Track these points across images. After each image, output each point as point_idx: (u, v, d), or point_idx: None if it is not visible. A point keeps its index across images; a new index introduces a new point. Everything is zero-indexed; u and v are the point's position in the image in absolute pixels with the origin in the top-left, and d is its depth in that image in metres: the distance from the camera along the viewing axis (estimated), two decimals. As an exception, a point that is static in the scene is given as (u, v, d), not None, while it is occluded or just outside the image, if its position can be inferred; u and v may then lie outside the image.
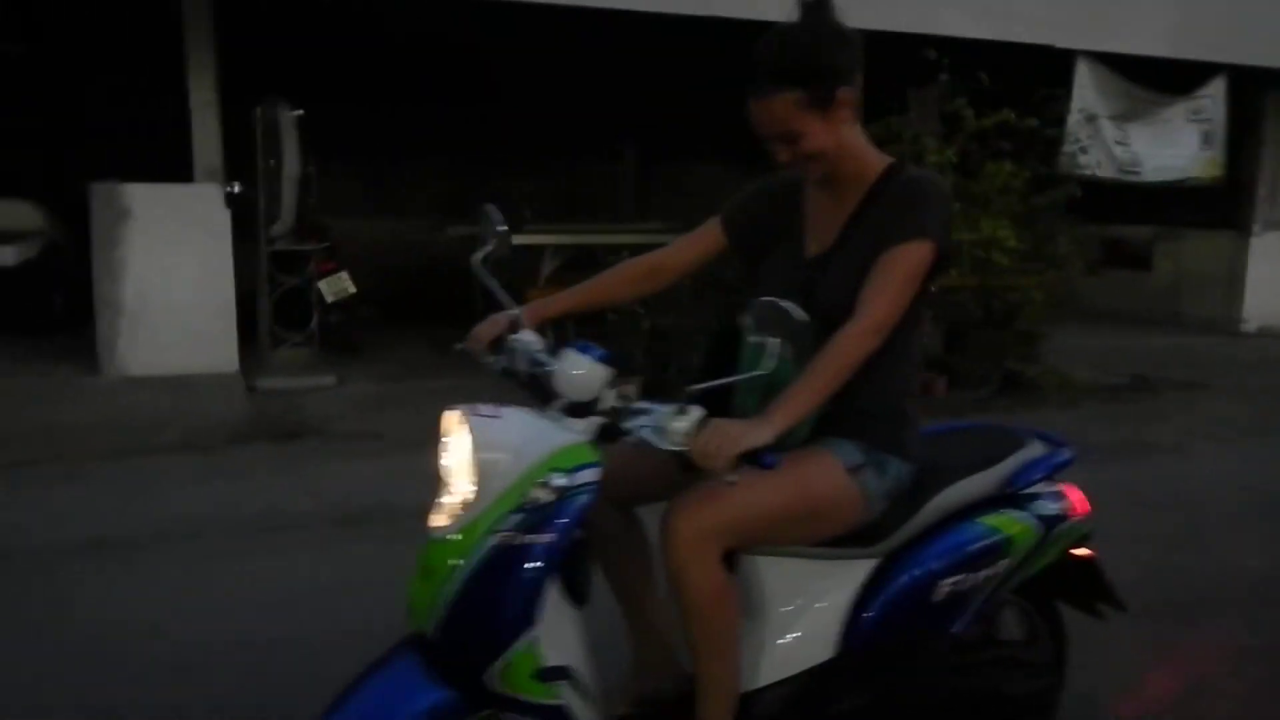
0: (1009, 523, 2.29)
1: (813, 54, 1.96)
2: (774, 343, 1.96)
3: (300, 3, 7.08)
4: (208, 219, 6.57)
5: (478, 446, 1.86)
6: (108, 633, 3.31)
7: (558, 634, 1.91)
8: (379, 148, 10.05)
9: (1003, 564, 2.27)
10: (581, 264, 8.60)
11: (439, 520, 1.88)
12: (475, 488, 1.86)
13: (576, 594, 1.97)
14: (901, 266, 1.96)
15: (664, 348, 6.66)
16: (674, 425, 1.82)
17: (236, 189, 6.76)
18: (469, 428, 1.88)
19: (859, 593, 2.15)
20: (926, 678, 2.26)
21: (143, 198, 6.47)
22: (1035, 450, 2.42)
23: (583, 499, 1.87)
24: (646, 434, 1.87)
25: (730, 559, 2.09)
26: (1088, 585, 2.56)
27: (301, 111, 7.13)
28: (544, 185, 10.62)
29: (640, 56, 9.97)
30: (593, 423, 1.92)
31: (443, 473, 1.89)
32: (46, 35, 8.50)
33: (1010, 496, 2.34)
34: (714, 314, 6.73)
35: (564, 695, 1.90)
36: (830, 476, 2.04)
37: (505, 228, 2.25)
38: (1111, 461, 5.43)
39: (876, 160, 2.10)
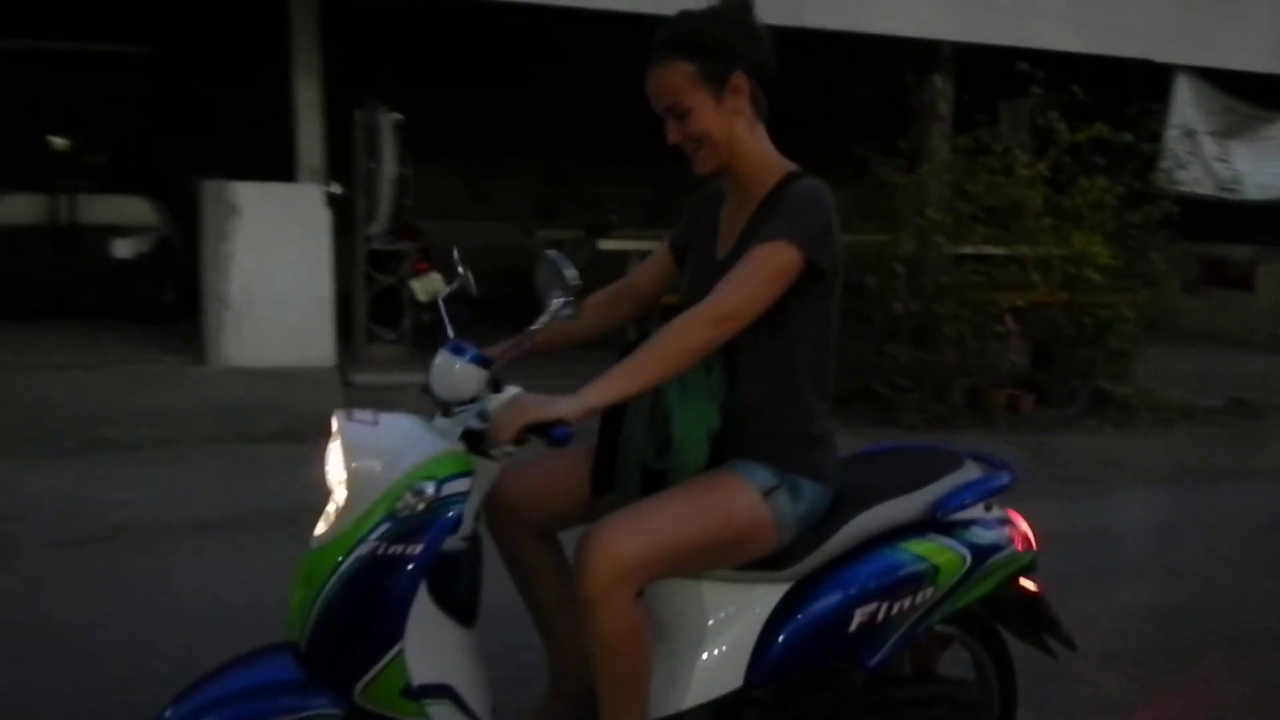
0: (934, 550, 2.14)
1: (710, 30, 1.96)
2: (557, 301, 1.92)
3: (402, 9, 7.31)
4: (309, 218, 6.85)
5: (349, 453, 1.82)
6: (208, 608, 3.51)
7: (433, 651, 1.85)
8: (474, 151, 10.31)
9: (925, 594, 2.12)
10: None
11: (319, 528, 1.85)
12: (346, 495, 1.81)
13: (463, 613, 1.92)
14: (757, 263, 1.90)
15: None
16: (488, 406, 1.82)
17: (336, 190, 7.04)
18: (341, 434, 1.84)
19: (769, 619, 2.05)
20: (839, 712, 2.12)
21: (249, 196, 6.78)
22: (969, 474, 2.27)
23: (453, 509, 1.82)
24: (471, 421, 1.85)
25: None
26: (1034, 621, 2.39)
27: (400, 115, 7.38)
28: (632, 191, 10.76)
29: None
30: (458, 421, 1.88)
31: (326, 479, 1.86)
32: (163, 38, 8.91)
33: (939, 523, 2.19)
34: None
35: (437, 715, 1.85)
36: (743, 501, 1.97)
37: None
38: (1206, 486, 5.30)
39: (778, 167, 2.06)
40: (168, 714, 1.77)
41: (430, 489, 1.80)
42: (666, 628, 2.06)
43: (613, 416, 2.04)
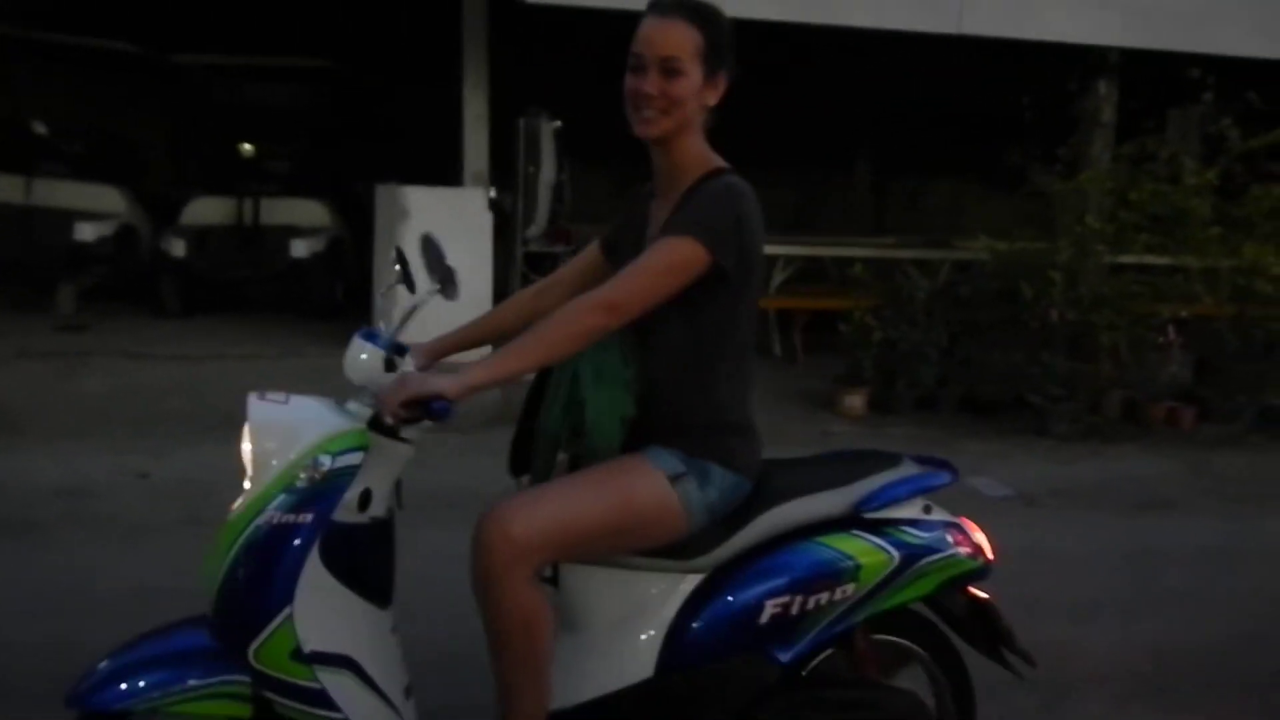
0: (857, 547, 2.09)
1: (723, 23, 2.02)
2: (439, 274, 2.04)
3: (564, 22, 7.61)
4: (473, 220, 7.21)
5: (256, 431, 1.93)
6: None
7: (327, 621, 1.91)
8: (626, 156, 10.57)
9: (844, 590, 2.07)
10: (811, 275, 8.76)
11: (235, 503, 1.95)
12: (251, 470, 1.93)
13: (372, 591, 1.99)
14: (658, 255, 1.92)
15: (893, 360, 6.72)
16: (383, 382, 1.89)
17: (495, 195, 7.40)
18: (251, 413, 1.95)
19: (681, 609, 2.04)
20: (756, 708, 2.08)
21: (418, 199, 7.17)
22: (902, 472, 2.21)
23: (345, 481, 1.89)
24: (366, 400, 1.94)
25: (551, 569, 2.06)
26: (989, 633, 2.28)
27: (559, 123, 7.68)
28: (776, 196, 10.82)
29: (876, 70, 10.01)
30: (364, 402, 1.96)
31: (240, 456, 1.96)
32: (339, 53, 9.50)
33: (865, 520, 2.14)
34: (946, 328, 6.73)
35: (327, 682, 1.91)
36: (649, 485, 1.97)
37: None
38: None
39: (706, 162, 2.06)
40: (82, 684, 1.87)
41: (326, 462, 1.88)
42: (577, 616, 2.07)
43: (532, 401, 2.10)
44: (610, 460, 2.01)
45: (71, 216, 8.18)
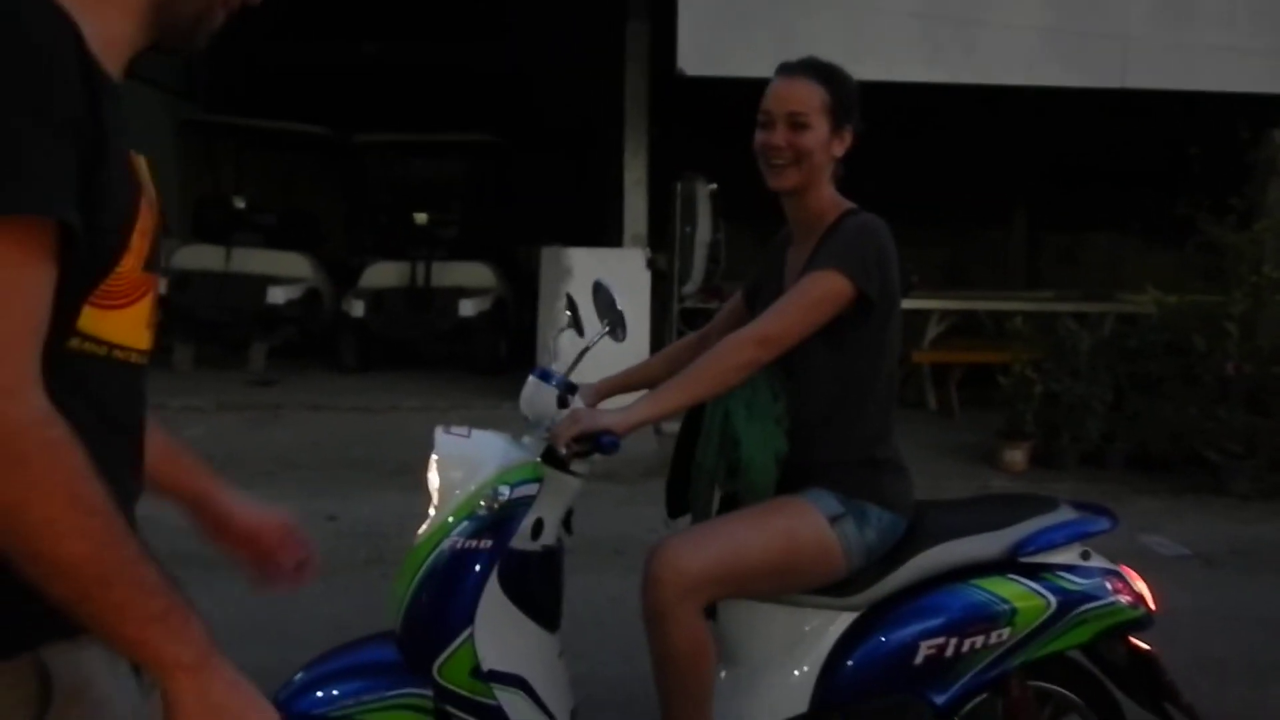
0: (1013, 591, 2.08)
1: (849, 82, 2.13)
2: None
3: (712, 94, 7.90)
4: (632, 279, 7.46)
5: (442, 463, 2.05)
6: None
7: (504, 642, 2.01)
8: (778, 217, 10.73)
9: (1000, 634, 2.06)
10: (966, 329, 8.66)
11: (421, 529, 2.07)
12: (437, 499, 2.05)
13: (542, 615, 2.07)
14: (807, 289, 1.99)
15: (1056, 414, 6.56)
16: (556, 420, 1.97)
17: (651, 255, 7.68)
18: (438, 447, 2.07)
19: (836, 646, 2.06)
20: None
21: (580, 260, 7.51)
22: (1059, 517, 2.19)
23: (522, 510, 1.99)
24: (542, 434, 2.02)
25: (710, 605, 2.08)
26: (1150, 685, 2.23)
27: (715, 185, 7.93)
28: (931, 251, 10.76)
29: (1032, 123, 9.89)
30: (539, 437, 2.06)
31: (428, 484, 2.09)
32: (502, 128, 10.08)
33: (1022, 565, 2.12)
34: (1112, 381, 6.54)
35: (503, 699, 2.00)
36: (810, 526, 2.01)
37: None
38: None
39: (839, 205, 2.16)
40: (281, 693, 2.02)
41: (505, 493, 2.00)
42: (736, 650, 2.12)
43: (685, 443, 2.18)
44: (772, 500, 2.07)
45: (265, 282, 8.90)
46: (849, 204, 2.17)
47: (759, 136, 2.11)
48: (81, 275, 0.97)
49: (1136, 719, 2.30)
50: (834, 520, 2.03)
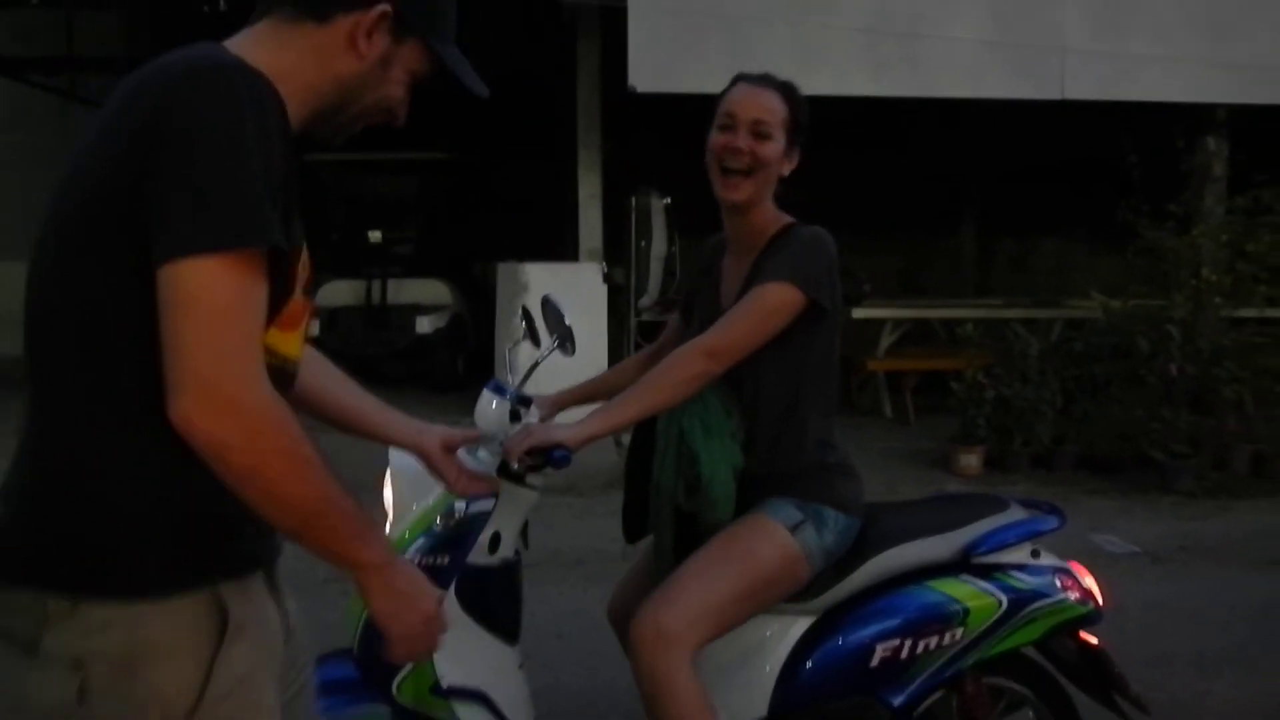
0: (965, 592, 2.11)
1: (804, 103, 2.16)
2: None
3: (670, 108, 8.00)
4: (588, 293, 7.51)
5: (397, 480, 2.04)
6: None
7: (463, 657, 1.98)
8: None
9: (954, 635, 2.09)
10: (918, 338, 8.80)
11: None
12: (392, 514, 2.04)
13: (501, 628, 2.07)
14: (757, 301, 2.00)
15: (1008, 418, 6.69)
16: (508, 434, 1.97)
17: (607, 269, 7.74)
18: (392, 464, 2.05)
19: (793, 650, 2.08)
20: None
21: (537, 275, 7.53)
22: (1010, 517, 2.22)
23: (478, 526, 1.98)
24: (496, 449, 2.00)
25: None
26: (1100, 678, 2.29)
27: (669, 199, 8.00)
28: (884, 260, 10.91)
29: (978, 133, 10.09)
30: (493, 451, 2.04)
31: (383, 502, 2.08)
32: (459, 143, 10.08)
33: (974, 565, 2.15)
34: (1060, 385, 6.68)
35: (463, 715, 1.99)
36: (770, 542, 2.03)
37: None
38: None
39: (780, 220, 2.18)
40: None
41: (460, 508, 1.99)
42: (695, 656, 2.09)
43: (636, 465, 2.17)
44: (730, 528, 2.07)
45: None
46: (788, 218, 2.19)
47: (718, 138, 2.10)
48: (275, 298, 1.21)
49: (1087, 710, 2.36)
50: (794, 529, 2.05)
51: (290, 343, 1.32)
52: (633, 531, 2.24)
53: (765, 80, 2.14)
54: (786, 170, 2.14)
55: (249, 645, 1.25)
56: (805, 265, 2.03)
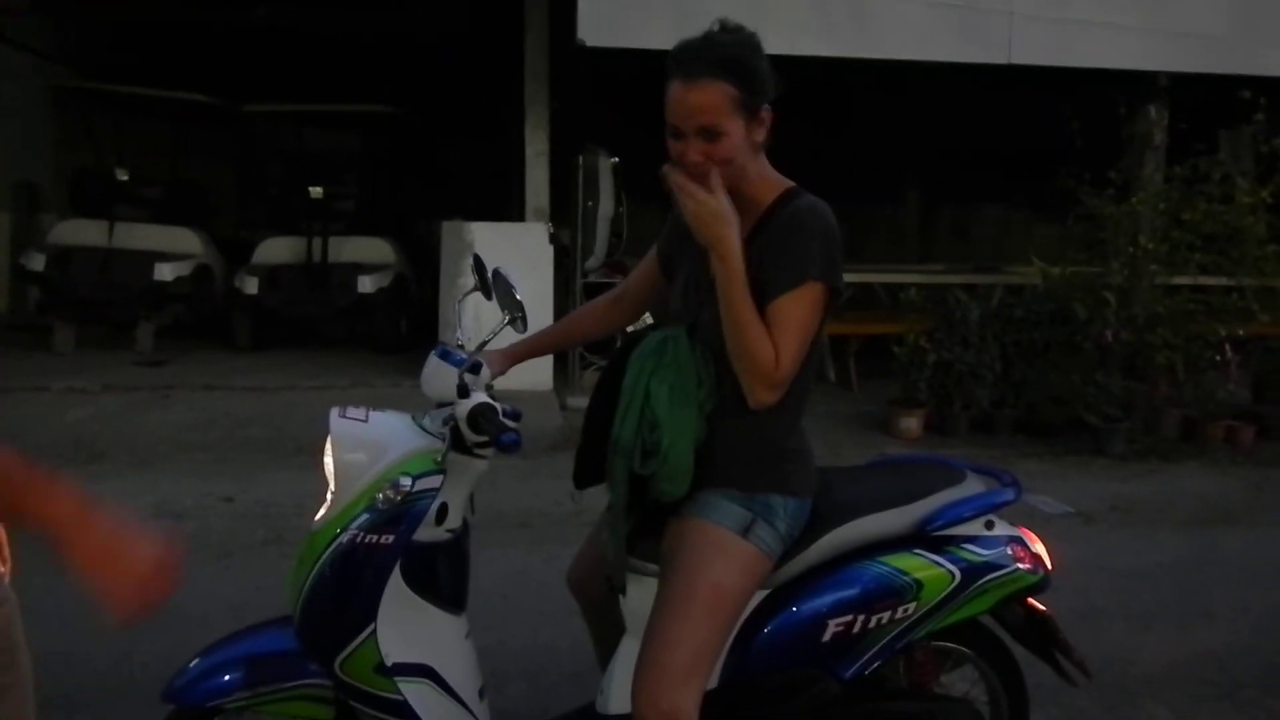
0: (918, 566, 2.09)
1: (752, 60, 1.90)
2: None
3: (619, 69, 7.91)
4: (534, 253, 7.45)
5: (339, 447, 1.96)
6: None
7: (409, 634, 1.96)
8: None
9: (906, 609, 2.08)
10: (862, 303, 8.87)
11: (319, 514, 1.99)
12: (334, 485, 1.96)
13: (448, 600, 2.03)
14: (795, 315, 1.90)
15: (948, 383, 6.79)
16: (457, 411, 1.94)
17: (553, 229, 7.65)
18: (334, 429, 1.97)
19: (745, 624, 2.04)
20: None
21: (483, 235, 7.45)
22: (967, 489, 2.19)
23: (425, 503, 1.93)
24: (439, 423, 1.97)
25: (612, 586, 2.11)
26: (1045, 640, 2.31)
27: (617, 159, 7.92)
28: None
29: (923, 100, 10.15)
30: (438, 419, 1.99)
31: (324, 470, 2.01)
32: (402, 99, 9.86)
33: (929, 538, 2.13)
34: (1000, 350, 6.79)
35: (408, 692, 1.97)
36: (730, 555, 1.96)
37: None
38: None
39: (776, 184, 2.02)
40: (176, 680, 1.98)
41: (406, 483, 1.93)
42: (643, 625, 2.06)
43: (596, 413, 2.07)
44: (681, 558, 1.98)
45: (151, 258, 8.56)
46: (787, 182, 2.02)
47: (672, 147, 1.93)
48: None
49: (1029, 666, 2.39)
50: (745, 531, 1.97)
51: None
52: (582, 478, 2.15)
53: (702, 66, 1.86)
54: (761, 136, 1.95)
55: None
56: (822, 255, 1.91)
